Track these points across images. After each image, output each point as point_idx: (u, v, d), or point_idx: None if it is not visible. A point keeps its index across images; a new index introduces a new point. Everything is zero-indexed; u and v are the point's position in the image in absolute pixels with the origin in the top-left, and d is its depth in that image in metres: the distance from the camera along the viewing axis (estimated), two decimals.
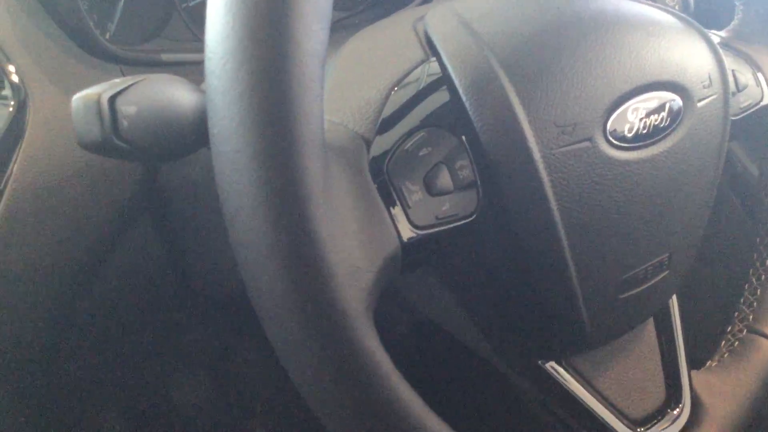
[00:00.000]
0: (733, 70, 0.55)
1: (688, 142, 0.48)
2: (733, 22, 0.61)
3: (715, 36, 0.59)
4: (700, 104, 0.48)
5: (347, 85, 0.43)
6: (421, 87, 0.42)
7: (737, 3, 0.60)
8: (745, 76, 0.56)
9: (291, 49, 0.30)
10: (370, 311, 0.36)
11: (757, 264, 0.60)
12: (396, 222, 0.38)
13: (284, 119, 0.30)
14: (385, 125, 0.40)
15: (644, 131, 0.45)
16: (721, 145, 0.51)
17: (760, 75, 0.58)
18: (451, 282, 0.46)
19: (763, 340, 0.57)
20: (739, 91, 0.55)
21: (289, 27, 0.30)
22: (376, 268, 0.36)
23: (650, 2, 0.54)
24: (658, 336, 0.55)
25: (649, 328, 0.55)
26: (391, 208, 0.38)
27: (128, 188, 0.58)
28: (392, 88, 0.42)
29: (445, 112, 0.41)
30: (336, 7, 0.82)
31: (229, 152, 0.31)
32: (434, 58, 0.43)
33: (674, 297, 0.56)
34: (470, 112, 0.41)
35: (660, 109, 0.46)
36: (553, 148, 0.41)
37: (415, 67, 0.43)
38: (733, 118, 0.55)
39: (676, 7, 0.70)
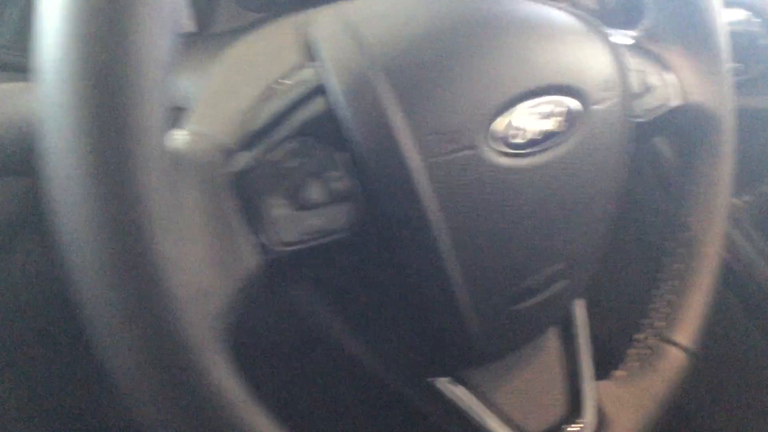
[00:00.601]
0: (639, 72, 0.54)
1: (584, 147, 0.46)
2: (644, 22, 0.59)
3: (626, 36, 0.57)
4: (596, 108, 0.47)
5: (220, 92, 0.41)
6: (297, 94, 0.40)
7: (648, 2, 0.59)
8: (653, 77, 0.55)
9: (126, 55, 0.28)
10: (222, 336, 0.33)
11: (667, 268, 0.59)
12: (256, 239, 0.36)
13: (118, 132, 0.28)
14: (254, 135, 0.38)
15: (535, 137, 0.43)
16: (622, 149, 0.50)
17: (669, 76, 0.57)
18: (334, 296, 0.44)
19: (673, 348, 0.56)
20: (645, 92, 0.54)
21: (126, 30, 0.28)
22: (229, 291, 0.34)
23: (553, 2, 0.52)
24: (562, 345, 0.54)
25: (552, 337, 0.53)
26: (252, 225, 0.36)
27: (9, 202, 0.55)
28: (265, 95, 0.39)
29: (321, 121, 0.39)
30: (254, 8, 0.79)
31: (59, 165, 0.28)
32: (314, 63, 0.41)
33: (579, 304, 0.55)
34: (346, 120, 0.38)
35: (552, 113, 0.44)
36: (434, 157, 0.39)
37: (293, 73, 0.41)
38: (639, 120, 0.54)
39: (592, 5, 0.68)
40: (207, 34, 0.75)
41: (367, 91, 0.38)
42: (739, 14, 0.82)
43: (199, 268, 0.32)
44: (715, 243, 0.59)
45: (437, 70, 0.40)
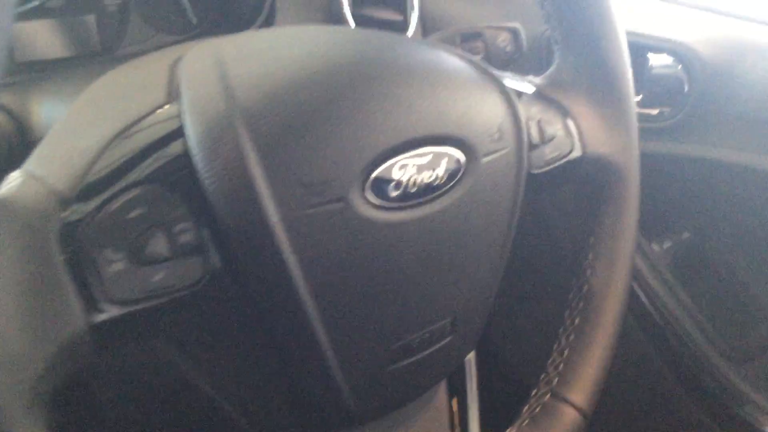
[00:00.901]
0: (539, 121, 0.52)
1: (470, 199, 0.44)
2: (550, 69, 0.58)
3: (530, 83, 0.56)
4: (486, 159, 0.45)
5: (69, 129, 0.38)
6: (152, 135, 0.37)
7: (554, 48, 0.58)
8: (554, 126, 0.54)
9: None
10: (42, 402, 0.30)
11: (568, 322, 0.58)
12: (84, 298, 0.33)
13: None
14: (96, 181, 0.35)
15: (414, 189, 0.41)
16: (514, 202, 0.48)
17: (572, 126, 0.55)
18: (192, 354, 0.41)
19: (566, 407, 0.54)
20: (544, 142, 0.53)
21: None
22: (48, 355, 0.31)
23: (450, 47, 0.51)
24: (451, 401, 0.52)
25: (441, 392, 0.51)
26: (83, 282, 0.33)
27: None
28: (115, 136, 0.36)
29: (175, 167, 0.36)
30: (166, 29, 0.77)
31: None
32: (175, 103, 0.38)
33: (471, 359, 0.53)
34: (200, 166, 0.36)
35: (434, 165, 0.42)
36: (297, 209, 0.37)
37: (151, 113, 0.38)
38: (536, 172, 0.52)
39: (507, 48, 0.67)
40: (108, 56, 0.72)
41: (224, 135, 0.36)
42: (665, 59, 0.82)
43: (11, 332, 0.29)
44: (616, 298, 0.57)
45: (306, 117, 0.38)
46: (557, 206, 0.79)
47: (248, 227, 0.36)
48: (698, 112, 0.82)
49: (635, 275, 0.87)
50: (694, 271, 0.90)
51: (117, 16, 0.73)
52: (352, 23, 0.83)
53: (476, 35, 0.66)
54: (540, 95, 0.55)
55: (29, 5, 0.68)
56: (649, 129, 0.85)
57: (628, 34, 0.82)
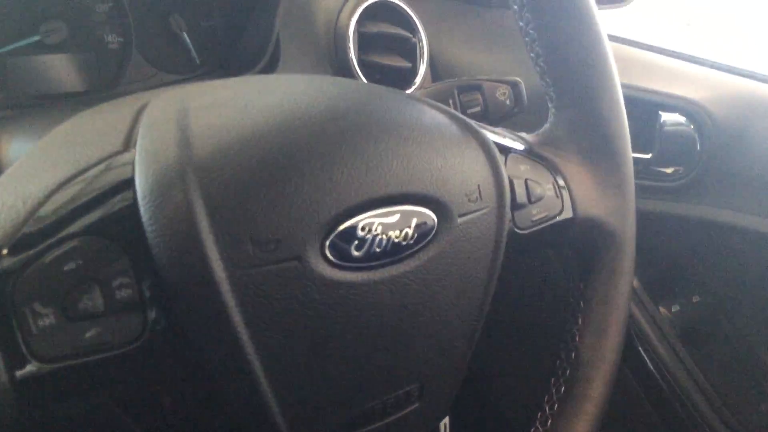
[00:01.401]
0: (526, 180, 0.50)
1: (443, 260, 0.42)
2: (544, 126, 0.56)
3: (521, 140, 0.54)
4: (462, 220, 0.43)
5: (19, 175, 0.37)
6: (101, 184, 0.36)
7: (550, 106, 0.56)
8: (542, 186, 0.52)
9: None
10: None
11: (553, 390, 0.55)
12: (8, 353, 0.31)
13: None
14: (34, 232, 0.33)
15: (380, 249, 0.39)
16: (493, 263, 0.46)
17: (563, 186, 0.53)
18: (135, 411, 0.40)
19: None
20: (531, 202, 0.50)
21: None
22: None
23: (434, 102, 0.49)
24: None
25: None
26: (6, 336, 0.31)
27: None
28: (62, 184, 0.35)
29: (120, 218, 0.35)
30: (168, 68, 0.76)
31: None
32: (131, 151, 0.37)
33: (445, 426, 0.50)
34: (145, 218, 0.34)
35: (402, 224, 0.40)
36: (246, 267, 0.35)
37: (104, 160, 0.37)
38: (522, 232, 0.50)
39: (507, 101, 0.65)
40: (107, 94, 0.72)
41: (175, 186, 0.34)
42: (677, 117, 0.80)
43: None
44: (606, 368, 0.54)
45: (262, 172, 0.36)
46: (549, 267, 0.76)
47: (192, 284, 0.34)
48: (710, 173, 0.79)
49: (642, 341, 0.84)
50: (704, 338, 0.86)
51: (118, 53, 0.73)
52: (358, 70, 0.82)
53: (474, 87, 0.64)
54: (531, 153, 0.53)
55: (29, 40, 0.68)
56: (659, 188, 0.82)
57: (640, 90, 0.80)
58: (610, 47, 0.53)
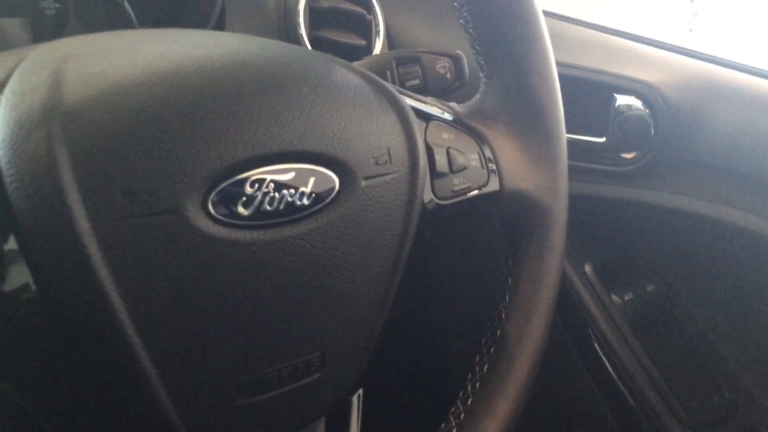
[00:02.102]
0: (448, 148, 0.49)
1: (344, 224, 0.40)
2: (474, 97, 0.54)
3: (449, 110, 0.52)
4: (367, 182, 0.41)
5: None
6: None
7: (481, 76, 0.54)
8: (467, 156, 0.50)
9: None
10: None
11: (476, 368, 0.53)
12: None
13: None
14: None
15: (271, 208, 0.37)
16: (404, 231, 0.44)
17: (489, 157, 0.51)
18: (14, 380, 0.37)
19: None
20: (453, 172, 0.49)
21: None
22: None
23: (349, 63, 0.47)
24: None
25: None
26: None
27: None
28: None
29: None
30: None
31: None
32: None
33: (358, 400, 0.48)
34: (2, 162, 0.32)
35: (298, 183, 0.38)
36: (114, 219, 0.33)
37: None
38: (443, 203, 0.48)
39: (448, 75, 0.63)
40: None
41: (37, 130, 0.32)
42: (631, 100, 0.78)
43: None
44: (531, 348, 0.53)
45: (137, 119, 0.34)
46: (478, 242, 0.74)
47: (53, 235, 0.32)
48: (665, 157, 0.77)
49: (593, 328, 0.82)
50: (657, 328, 0.84)
51: (54, 20, 0.71)
52: (308, 45, 0.80)
53: (413, 60, 0.62)
54: (458, 122, 0.51)
55: None
56: (614, 173, 0.80)
57: (595, 72, 0.79)
58: (543, 20, 0.52)
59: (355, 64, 0.65)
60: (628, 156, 0.79)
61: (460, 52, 0.63)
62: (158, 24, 0.76)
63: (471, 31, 0.51)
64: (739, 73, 0.76)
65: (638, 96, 0.77)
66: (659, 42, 0.80)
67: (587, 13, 0.87)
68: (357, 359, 0.44)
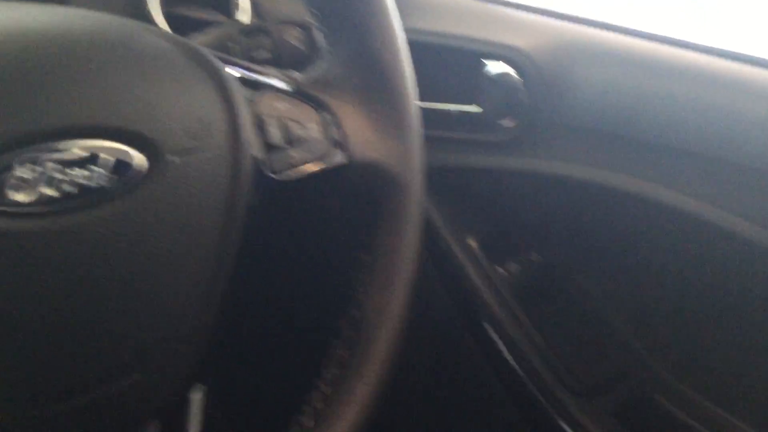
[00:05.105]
0: (281, 119, 0.45)
1: (153, 206, 0.36)
2: (317, 65, 0.51)
3: (287, 79, 0.48)
4: (177, 159, 0.37)
5: None
6: None
7: (326, 45, 0.51)
8: (306, 127, 0.46)
9: None
10: None
11: (332, 353, 0.50)
12: None
13: None
14: None
15: (57, 193, 0.33)
16: (230, 211, 0.40)
17: (333, 127, 0.48)
18: None
19: None
20: (290, 145, 0.45)
21: None
22: None
23: (156, 29, 0.43)
24: None
25: None
26: None
27: None
28: None
29: None
30: None
31: None
32: None
33: (198, 399, 0.45)
34: None
35: (89, 162, 0.34)
36: None
37: None
38: (280, 178, 0.44)
39: (299, 45, 0.60)
40: None
41: None
42: (501, 67, 0.76)
43: None
44: (392, 328, 0.50)
45: None
46: (330, 219, 0.71)
47: None
48: (540, 124, 0.76)
49: (479, 302, 0.80)
50: (544, 297, 0.83)
51: None
52: (160, 23, 0.75)
53: (259, 30, 0.58)
54: (297, 92, 0.48)
55: None
56: (490, 142, 0.78)
57: (459, 39, 0.76)
58: None
59: (197, 40, 0.60)
60: (505, 124, 0.77)
61: (309, 20, 0.59)
62: None
63: None
64: (609, 32, 0.75)
65: (508, 62, 0.75)
66: (526, 6, 0.78)
67: None
68: (184, 354, 0.40)
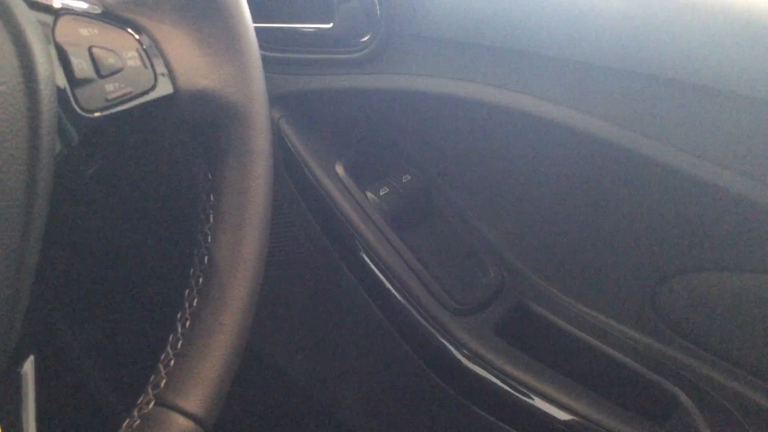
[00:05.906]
0: (90, 48, 0.39)
1: None
2: None
3: (98, 2, 0.42)
4: None
5: None
6: None
7: None
8: (120, 56, 0.40)
9: None
10: None
11: (186, 305, 0.46)
12: None
13: None
14: None
15: None
16: (33, 160, 0.34)
17: (154, 54, 0.42)
18: None
19: (175, 416, 0.42)
20: (101, 77, 0.39)
21: None
22: None
23: None
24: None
25: None
26: None
27: None
28: None
29: None
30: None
31: None
32: None
33: (29, 364, 0.40)
34: None
35: None
36: None
37: None
38: (93, 116, 0.39)
39: None
40: None
41: None
42: None
43: None
44: (246, 270, 0.46)
45: None
46: (167, 157, 0.66)
47: None
48: (396, 37, 0.71)
49: (352, 232, 0.77)
50: (417, 218, 0.81)
51: None
52: None
53: None
54: (106, 15, 0.41)
55: None
56: (346, 61, 0.74)
57: None
58: None
59: None
60: (358, 40, 0.72)
61: None
62: None
63: None
64: None
65: None
66: None
67: None
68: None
